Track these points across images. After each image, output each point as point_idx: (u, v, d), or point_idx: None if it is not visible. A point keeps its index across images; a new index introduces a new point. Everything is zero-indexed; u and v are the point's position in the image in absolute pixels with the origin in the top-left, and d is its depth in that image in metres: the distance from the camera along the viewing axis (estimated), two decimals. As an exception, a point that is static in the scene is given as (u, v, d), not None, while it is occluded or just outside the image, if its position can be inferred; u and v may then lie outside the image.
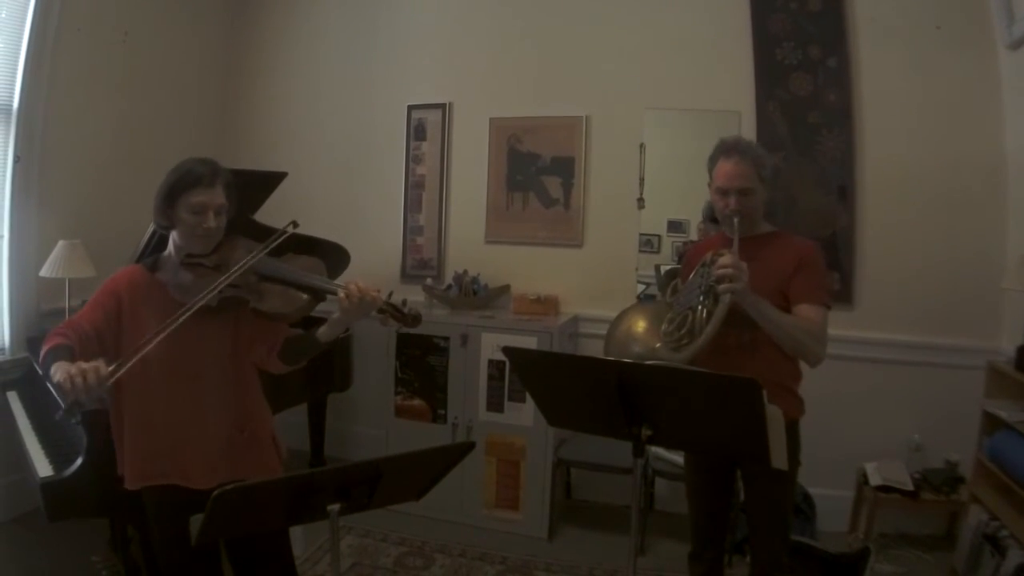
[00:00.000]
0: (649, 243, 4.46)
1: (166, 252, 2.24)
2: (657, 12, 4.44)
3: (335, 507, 1.69)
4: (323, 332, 2.21)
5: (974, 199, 4.01)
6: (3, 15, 3.79)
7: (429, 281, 4.78)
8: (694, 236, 4.26)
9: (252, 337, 2.25)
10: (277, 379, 2.43)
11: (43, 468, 2.79)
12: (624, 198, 4.45)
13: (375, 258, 4.84)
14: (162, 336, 1.93)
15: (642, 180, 4.40)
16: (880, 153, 4.12)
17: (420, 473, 1.98)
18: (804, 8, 4.15)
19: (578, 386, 2.17)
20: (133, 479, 2.19)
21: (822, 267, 2.55)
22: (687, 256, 2.84)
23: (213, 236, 2.18)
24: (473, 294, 4.58)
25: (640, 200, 4.40)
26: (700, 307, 2.37)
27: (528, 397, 3.86)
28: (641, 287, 4.42)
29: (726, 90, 4.29)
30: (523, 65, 4.73)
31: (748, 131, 4.18)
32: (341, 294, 2.10)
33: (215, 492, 1.50)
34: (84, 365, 1.76)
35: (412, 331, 2.40)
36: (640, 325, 2.63)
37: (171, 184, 2.12)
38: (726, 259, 2.28)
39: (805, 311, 2.43)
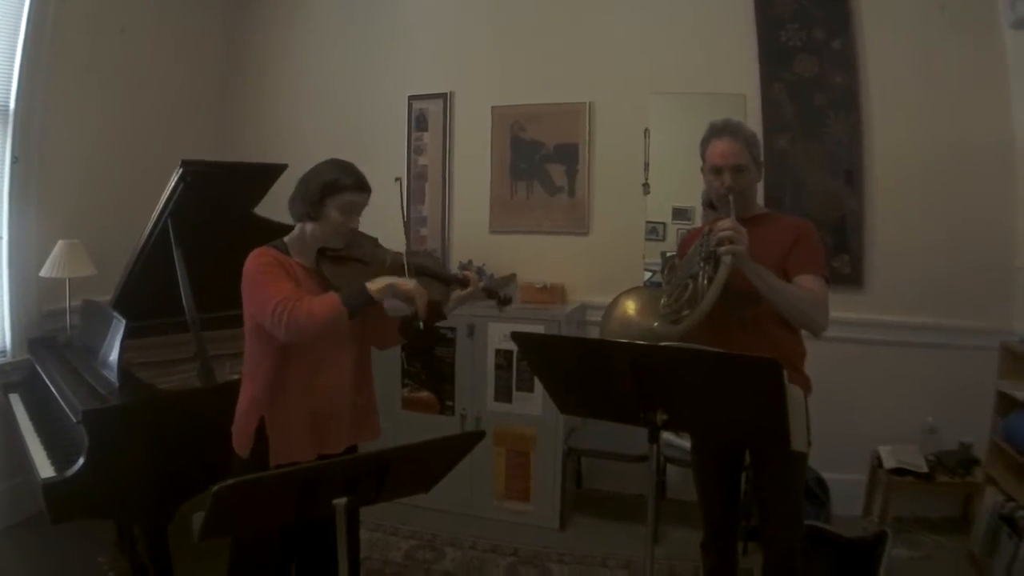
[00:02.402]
0: (654, 231, 4.41)
1: (291, 237, 2.42)
2: (659, -5, 4.39)
3: (342, 501, 1.65)
4: (448, 308, 2.50)
5: (983, 178, 3.97)
6: (-2, 14, 3.75)
7: (433, 272, 4.73)
8: (699, 224, 4.21)
9: (377, 322, 2.52)
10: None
11: (45, 469, 2.75)
12: (629, 184, 4.41)
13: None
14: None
15: (647, 166, 4.36)
16: (888, 134, 4.08)
17: (429, 464, 1.95)
18: (807, -12, 4.10)
19: (590, 371, 2.13)
20: (285, 454, 2.29)
21: (818, 242, 2.55)
22: (684, 241, 2.84)
23: (350, 234, 2.40)
24: (478, 284, 4.53)
25: (645, 186, 4.36)
26: (701, 274, 2.35)
27: (537, 386, 3.86)
28: (648, 274, 4.37)
29: (731, 73, 4.25)
30: (524, 52, 4.69)
31: (754, 114, 4.16)
32: (472, 282, 2.48)
33: (215, 488, 1.46)
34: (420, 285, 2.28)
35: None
36: (633, 308, 2.60)
37: (327, 182, 2.30)
38: (726, 222, 2.29)
39: (805, 281, 2.42)
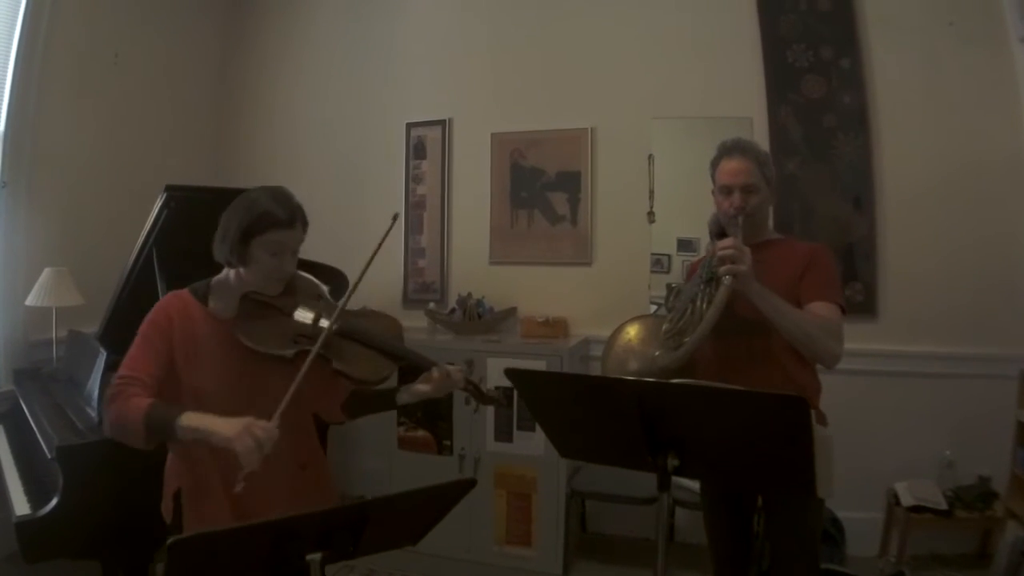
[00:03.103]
0: (659, 262, 4.30)
1: (218, 279, 2.10)
2: (662, 17, 4.32)
3: (316, 557, 1.50)
4: (402, 397, 2.24)
5: (997, 199, 3.89)
6: (-11, 38, 3.72)
7: (432, 305, 4.64)
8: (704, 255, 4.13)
9: (321, 389, 2.17)
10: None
11: (20, 506, 2.68)
12: (633, 212, 4.31)
13: (375, 281, 4.66)
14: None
15: (652, 193, 4.26)
16: (898, 155, 4.00)
17: (414, 515, 1.79)
18: (814, 8, 4.04)
19: (593, 412, 1.95)
20: (196, 525, 2.01)
21: (833, 267, 2.44)
22: (690, 268, 2.77)
23: (287, 278, 2.08)
24: (478, 318, 4.43)
25: (651, 214, 4.26)
26: (700, 296, 2.27)
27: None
28: (654, 307, 4.23)
29: (736, 96, 4.17)
30: (524, 77, 4.62)
31: (761, 137, 4.05)
32: (435, 373, 2.17)
33: (170, 540, 1.32)
34: (257, 427, 1.75)
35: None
36: (635, 336, 2.53)
37: (248, 223, 1.96)
38: (727, 241, 2.21)
39: (817, 308, 2.30)
